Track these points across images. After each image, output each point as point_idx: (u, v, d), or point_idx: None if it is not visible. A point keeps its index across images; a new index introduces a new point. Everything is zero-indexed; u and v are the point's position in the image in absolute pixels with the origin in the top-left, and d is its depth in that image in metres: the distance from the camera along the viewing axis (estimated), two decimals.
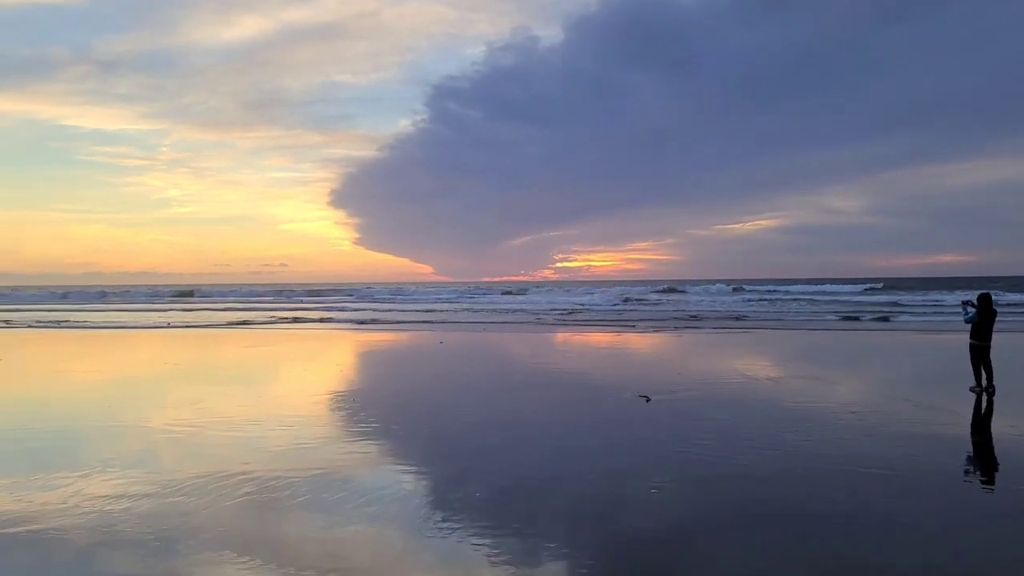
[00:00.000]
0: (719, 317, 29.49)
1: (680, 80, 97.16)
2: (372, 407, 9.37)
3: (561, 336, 21.99)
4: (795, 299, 42.51)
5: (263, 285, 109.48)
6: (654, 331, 22.64)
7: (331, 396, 10.36)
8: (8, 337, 22.61)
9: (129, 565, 4.09)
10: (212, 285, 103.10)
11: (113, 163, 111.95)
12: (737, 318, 28.54)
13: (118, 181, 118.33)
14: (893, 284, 55.16)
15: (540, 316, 32.12)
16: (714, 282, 63.11)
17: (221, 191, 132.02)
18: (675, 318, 29.09)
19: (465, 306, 43.22)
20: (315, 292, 69.01)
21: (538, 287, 74.82)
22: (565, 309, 37.76)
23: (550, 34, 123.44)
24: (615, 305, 41.80)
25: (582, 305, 41.84)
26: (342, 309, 40.98)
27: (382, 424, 8.22)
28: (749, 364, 13.99)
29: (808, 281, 65.81)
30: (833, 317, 28.56)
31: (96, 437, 7.61)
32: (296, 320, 29.88)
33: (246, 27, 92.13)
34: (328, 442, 7.28)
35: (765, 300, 42.32)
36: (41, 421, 8.63)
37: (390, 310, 39.31)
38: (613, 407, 9.32)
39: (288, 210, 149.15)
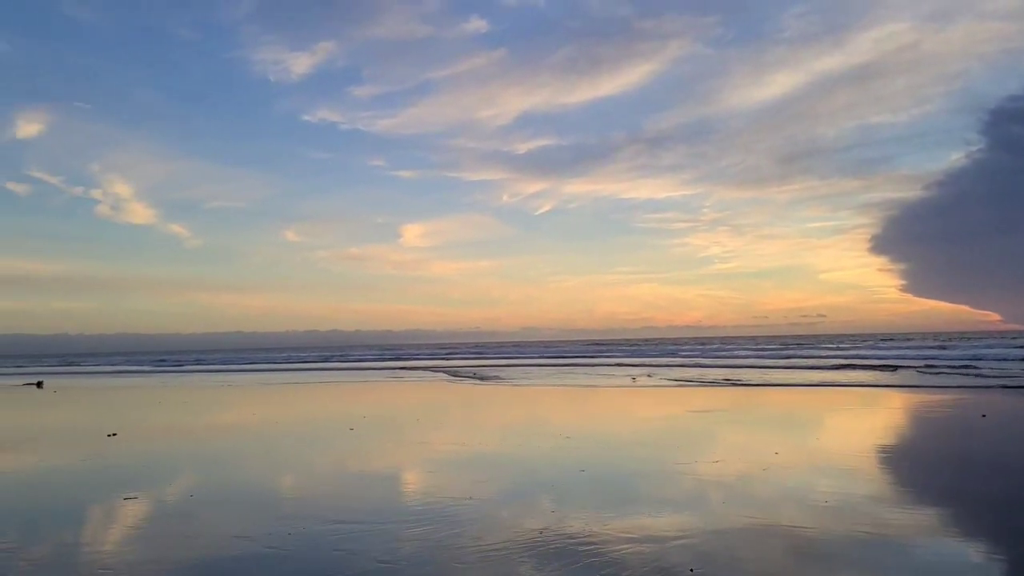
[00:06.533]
0: None
1: None
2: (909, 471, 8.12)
3: None
4: None
5: (794, 336, 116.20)
6: None
7: (875, 451, 9.46)
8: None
9: None
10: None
11: (662, 228, 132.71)
12: None
13: (666, 243, 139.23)
14: None
15: None
16: None
17: (759, 245, 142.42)
18: None
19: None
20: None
21: None
22: None
23: None
24: None
25: None
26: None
27: (927, 489, 7.02)
28: None
29: None
30: None
31: (652, 479, 7.80)
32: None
33: (779, 84, 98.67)
34: (876, 502, 6.46)
35: None
36: (623, 460, 9.05)
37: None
38: None
39: (825, 260, 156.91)
